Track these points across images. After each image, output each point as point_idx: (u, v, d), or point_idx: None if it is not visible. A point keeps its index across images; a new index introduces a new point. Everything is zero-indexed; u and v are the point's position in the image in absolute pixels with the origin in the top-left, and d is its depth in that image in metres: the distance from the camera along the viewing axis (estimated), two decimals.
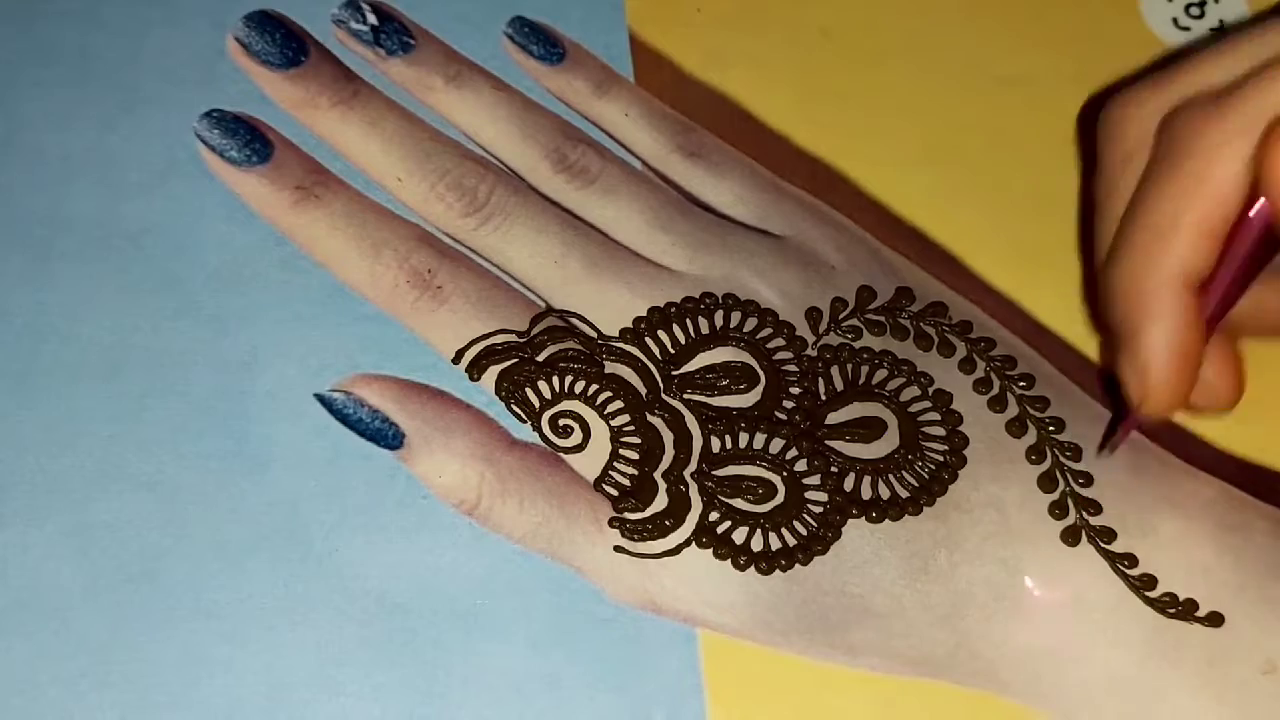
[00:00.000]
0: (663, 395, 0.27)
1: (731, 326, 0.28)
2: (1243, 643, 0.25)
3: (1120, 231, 0.24)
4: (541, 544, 0.26)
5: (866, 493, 0.26)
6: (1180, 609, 0.25)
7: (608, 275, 0.28)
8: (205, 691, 0.25)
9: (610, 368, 0.27)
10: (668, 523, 0.26)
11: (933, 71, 0.33)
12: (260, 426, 0.27)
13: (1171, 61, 0.26)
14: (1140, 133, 0.25)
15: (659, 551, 0.26)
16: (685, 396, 0.27)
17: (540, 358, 0.27)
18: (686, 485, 0.26)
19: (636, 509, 0.26)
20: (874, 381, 0.27)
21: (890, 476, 0.26)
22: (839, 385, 0.27)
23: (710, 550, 0.26)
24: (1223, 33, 0.28)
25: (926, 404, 0.27)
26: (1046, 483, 0.26)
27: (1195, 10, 0.35)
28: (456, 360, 0.27)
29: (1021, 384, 0.27)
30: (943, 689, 0.26)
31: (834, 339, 0.28)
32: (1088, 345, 0.31)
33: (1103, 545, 0.26)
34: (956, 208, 0.32)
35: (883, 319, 0.28)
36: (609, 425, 0.27)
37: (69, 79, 0.30)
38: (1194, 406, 0.25)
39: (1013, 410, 0.27)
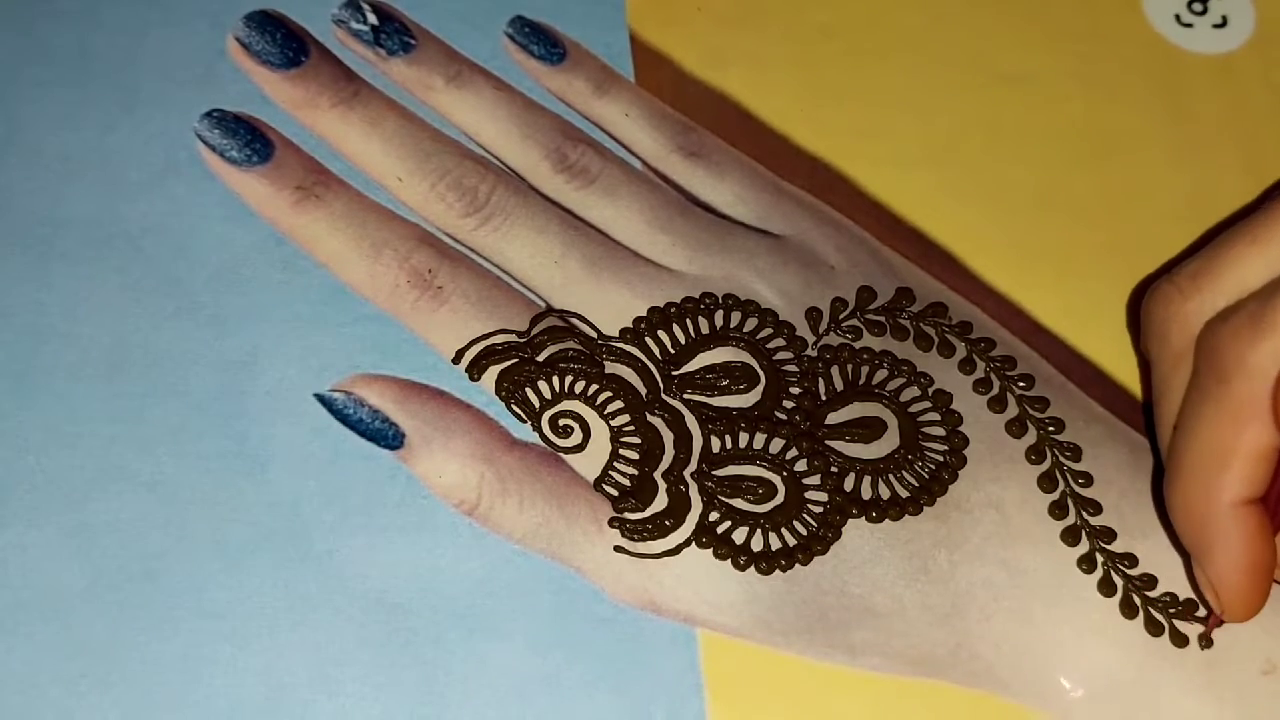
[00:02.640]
0: (663, 395, 0.27)
1: (731, 326, 0.28)
2: (1242, 643, 0.25)
3: (1175, 451, 0.25)
4: (541, 544, 0.26)
5: (866, 493, 0.26)
6: (1180, 609, 0.25)
7: (608, 275, 0.28)
8: (205, 691, 0.25)
9: (610, 368, 0.27)
10: (668, 523, 0.26)
11: (933, 70, 0.33)
12: (260, 426, 0.27)
13: (1205, 248, 0.26)
14: (1182, 335, 0.25)
15: (659, 551, 0.26)
16: (685, 396, 0.27)
17: (540, 358, 0.27)
18: (686, 485, 0.26)
19: (636, 509, 0.26)
20: (874, 382, 0.27)
21: (890, 476, 0.26)
22: (839, 385, 0.27)
23: (710, 550, 0.26)
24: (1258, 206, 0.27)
25: (926, 404, 0.27)
26: (1046, 483, 0.26)
27: (1198, 6, 0.35)
28: (457, 360, 0.27)
29: (1021, 384, 0.27)
30: (943, 689, 0.26)
31: (834, 339, 0.28)
32: (1087, 345, 0.31)
33: (1103, 545, 0.26)
34: (957, 208, 0.32)
35: (883, 319, 0.28)
36: (609, 425, 0.27)
37: (68, 79, 0.30)
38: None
39: (1012, 410, 0.27)
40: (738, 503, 0.26)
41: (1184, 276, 0.26)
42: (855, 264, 0.29)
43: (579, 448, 0.27)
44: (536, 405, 0.27)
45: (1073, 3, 0.35)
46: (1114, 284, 0.31)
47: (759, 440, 0.27)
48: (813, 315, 0.28)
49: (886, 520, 0.26)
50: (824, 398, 0.27)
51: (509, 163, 0.30)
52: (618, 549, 0.26)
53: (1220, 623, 0.25)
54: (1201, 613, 0.25)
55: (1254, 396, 0.23)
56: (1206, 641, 0.25)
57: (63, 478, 0.26)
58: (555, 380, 0.27)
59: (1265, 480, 0.24)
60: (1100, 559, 0.26)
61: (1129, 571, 0.26)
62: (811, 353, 0.28)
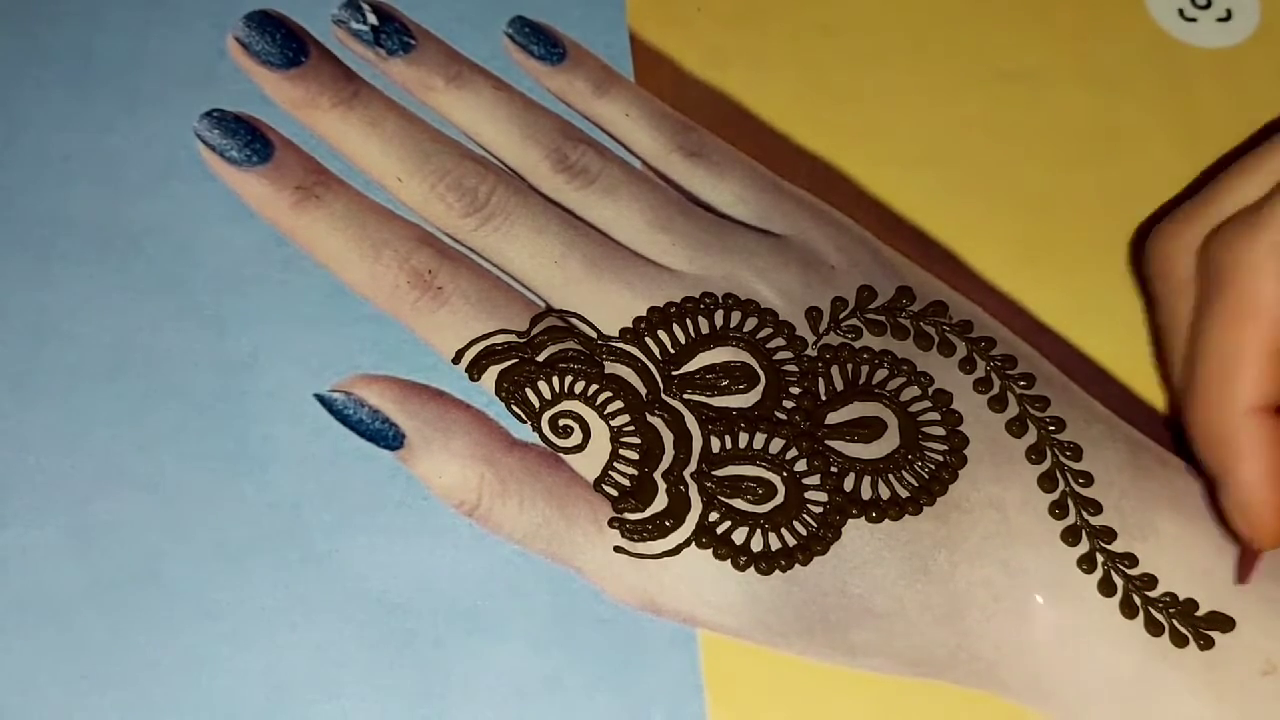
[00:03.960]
0: (663, 395, 0.27)
1: (731, 326, 0.28)
2: (1243, 643, 0.25)
3: (1188, 369, 0.24)
4: (541, 544, 0.26)
5: (866, 493, 0.26)
6: (1180, 609, 0.25)
7: (608, 275, 0.28)
8: (206, 692, 0.25)
9: (610, 368, 0.27)
10: (667, 523, 0.26)
11: (934, 68, 0.33)
12: (261, 427, 0.27)
13: (1206, 187, 0.26)
14: (1188, 263, 0.25)
15: (659, 552, 0.26)
16: (685, 396, 0.27)
17: (540, 358, 0.27)
18: (686, 485, 0.26)
19: (636, 509, 0.26)
20: (874, 381, 0.27)
21: (890, 476, 0.26)
22: (839, 385, 0.27)
23: (710, 550, 0.26)
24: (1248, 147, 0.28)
25: (926, 404, 0.27)
26: (1047, 482, 0.26)
27: (1202, 0, 0.35)
28: (456, 360, 0.27)
29: (1022, 383, 0.27)
30: (943, 689, 0.26)
31: (834, 339, 0.28)
32: (1088, 344, 0.31)
33: (1103, 545, 0.26)
34: (957, 206, 0.32)
35: (883, 318, 0.28)
36: (609, 425, 0.27)
37: (70, 80, 0.30)
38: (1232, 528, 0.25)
39: (1013, 410, 0.27)
40: (738, 503, 0.26)
41: (1181, 212, 0.26)
42: (855, 263, 0.29)
43: (579, 448, 0.27)
44: (536, 405, 0.27)
45: (1073, 0, 0.35)
46: (1116, 282, 0.31)
47: (759, 440, 0.27)
48: (813, 315, 0.28)
49: (886, 520, 0.26)
50: (824, 397, 0.27)
51: (509, 163, 0.30)
52: (617, 549, 0.26)
53: (1256, 558, 0.24)
54: (1200, 611, 0.25)
55: (1258, 294, 0.23)
56: (1243, 578, 0.24)
57: (63, 478, 0.26)
58: (555, 380, 0.27)
59: (1278, 384, 0.23)
60: (1100, 559, 0.26)
61: (1129, 571, 0.26)
62: (811, 352, 0.28)
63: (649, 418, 0.27)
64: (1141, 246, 0.29)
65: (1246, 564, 0.25)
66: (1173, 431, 0.30)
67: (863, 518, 0.26)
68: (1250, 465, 0.23)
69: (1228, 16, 0.35)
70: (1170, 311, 0.26)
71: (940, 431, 0.27)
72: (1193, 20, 0.35)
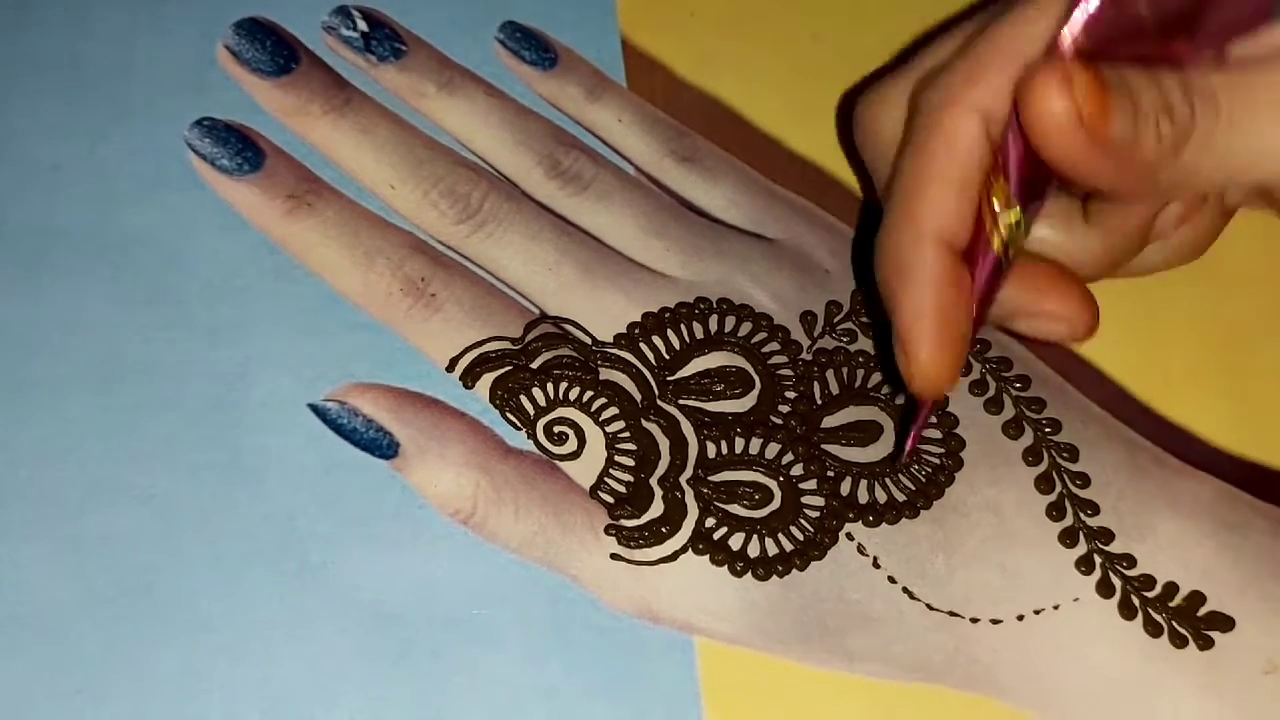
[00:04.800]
0: (658, 401, 0.27)
1: (726, 331, 0.27)
2: (1243, 643, 0.25)
3: (885, 207, 0.24)
4: (537, 552, 0.26)
5: (863, 497, 0.26)
6: (1179, 609, 0.25)
7: (602, 281, 0.28)
8: (202, 704, 0.24)
9: (605, 374, 0.27)
10: (664, 529, 0.26)
11: None
12: (254, 437, 0.27)
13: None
14: (891, 122, 0.25)
15: (655, 558, 0.26)
16: (680, 402, 0.27)
17: (534, 365, 0.27)
18: (682, 491, 0.26)
19: (632, 516, 0.26)
20: (869, 385, 0.27)
21: (887, 480, 0.26)
22: (834, 389, 0.27)
23: (707, 557, 0.26)
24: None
25: None
26: (1044, 484, 0.26)
27: None
28: (450, 368, 0.27)
29: (1017, 385, 0.27)
30: (942, 694, 0.26)
31: (829, 343, 0.28)
32: (1083, 346, 0.31)
33: (1101, 546, 0.26)
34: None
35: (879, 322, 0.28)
36: (604, 432, 0.27)
37: (59, 89, 0.30)
38: (1054, 341, 0.26)
39: (1009, 412, 0.27)
40: (734, 508, 0.26)
41: (883, 80, 0.26)
42: (849, 267, 0.29)
43: (574, 455, 0.27)
44: (531, 412, 0.27)
45: None
46: (1110, 284, 0.31)
47: (755, 445, 0.26)
48: (807, 319, 0.28)
49: (883, 524, 0.26)
50: (819, 402, 0.27)
51: (501, 169, 0.30)
52: (614, 556, 0.26)
53: (927, 415, 0.24)
54: (1200, 612, 0.25)
55: (948, 126, 0.23)
56: (906, 458, 0.24)
57: (56, 491, 0.26)
58: (550, 387, 0.27)
59: (961, 219, 0.23)
60: (1098, 560, 0.26)
61: (1127, 572, 0.26)
62: (806, 357, 0.27)
63: (644, 424, 0.27)
64: (847, 119, 0.29)
65: (918, 421, 0.24)
66: (1170, 431, 0.30)
67: (860, 522, 0.26)
68: (917, 296, 0.23)
69: None
70: (878, 169, 0.26)
71: (936, 434, 0.27)
72: None
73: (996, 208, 0.23)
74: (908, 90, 0.25)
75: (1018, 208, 0.23)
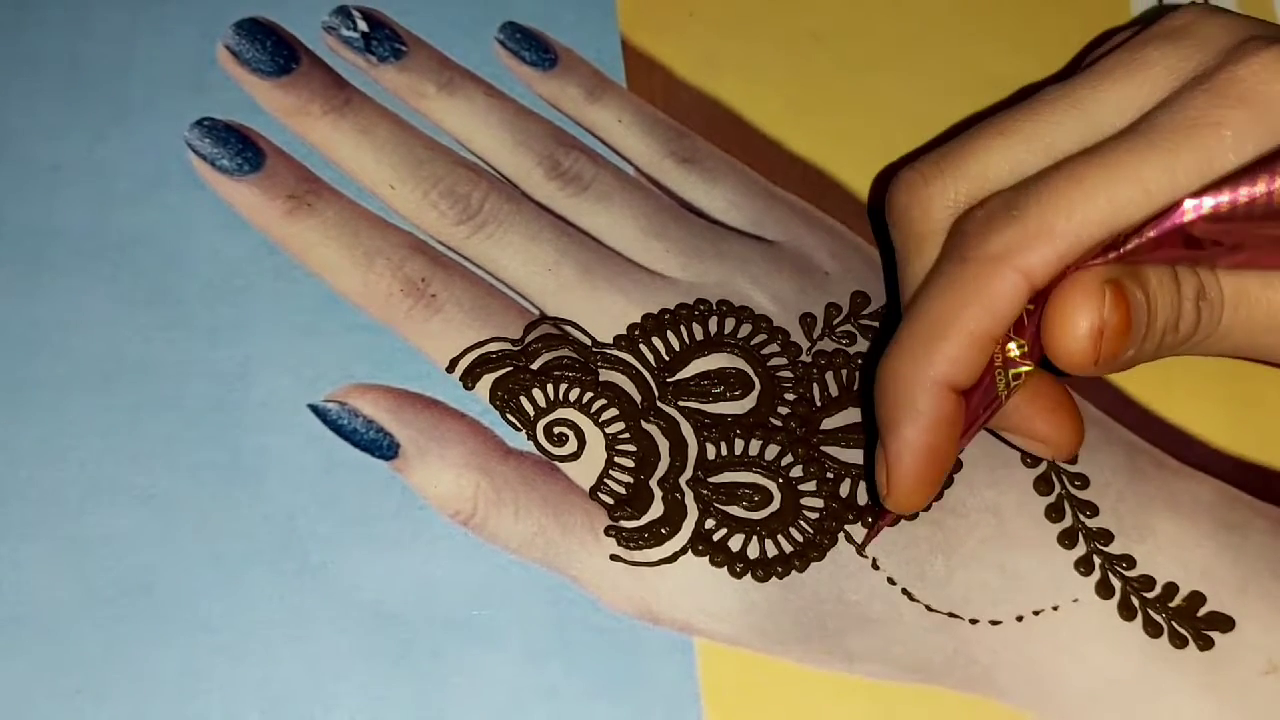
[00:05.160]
0: (658, 402, 0.27)
1: (726, 333, 0.27)
2: (1243, 643, 0.25)
3: (900, 327, 0.24)
4: (537, 553, 0.26)
5: (862, 498, 0.26)
6: (1179, 610, 0.25)
7: (602, 282, 0.28)
8: (201, 705, 0.24)
9: (605, 375, 0.27)
10: (664, 530, 0.26)
11: (925, 75, 0.33)
12: (254, 438, 0.27)
13: (955, 138, 0.26)
14: (923, 219, 0.25)
15: (655, 560, 0.26)
16: (680, 403, 0.27)
17: (534, 366, 0.27)
18: (682, 493, 0.26)
19: (632, 517, 0.26)
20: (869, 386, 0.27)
21: None
22: (834, 391, 0.27)
23: (706, 558, 0.26)
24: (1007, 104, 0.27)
25: None
26: (1043, 485, 0.26)
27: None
28: (450, 369, 0.27)
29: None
30: (940, 694, 0.26)
31: (828, 344, 0.28)
32: None
33: (1100, 547, 0.26)
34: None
35: (877, 324, 0.28)
36: (604, 433, 0.27)
37: (58, 89, 0.30)
38: (1039, 455, 0.26)
39: None
40: (734, 510, 0.26)
41: (925, 163, 0.25)
42: (849, 269, 0.29)
43: (574, 456, 0.27)
44: (531, 413, 0.27)
45: (1062, 7, 0.35)
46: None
47: (754, 447, 0.27)
48: (807, 321, 0.28)
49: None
50: (819, 403, 0.27)
51: (501, 170, 0.30)
52: (614, 558, 0.26)
53: (887, 519, 0.25)
54: (1200, 612, 0.25)
55: (988, 282, 0.23)
56: (864, 544, 0.25)
57: (55, 491, 0.26)
58: (550, 388, 0.27)
59: (973, 369, 0.23)
60: (1098, 561, 0.26)
61: (1127, 573, 0.26)
62: (806, 358, 0.28)
63: (644, 425, 0.27)
64: (881, 191, 0.29)
65: (877, 525, 0.25)
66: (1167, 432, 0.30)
67: (859, 523, 0.26)
68: (911, 431, 0.23)
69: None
70: (905, 262, 0.26)
71: None
72: None
73: (1011, 354, 0.23)
74: (946, 195, 0.25)
75: (1030, 365, 0.24)
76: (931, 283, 0.24)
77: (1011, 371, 0.23)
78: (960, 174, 0.25)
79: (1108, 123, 0.24)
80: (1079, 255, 0.22)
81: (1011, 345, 0.23)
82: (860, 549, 0.26)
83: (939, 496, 0.26)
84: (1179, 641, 0.25)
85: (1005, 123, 0.25)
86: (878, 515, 0.25)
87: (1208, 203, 0.21)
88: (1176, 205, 0.22)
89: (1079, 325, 0.22)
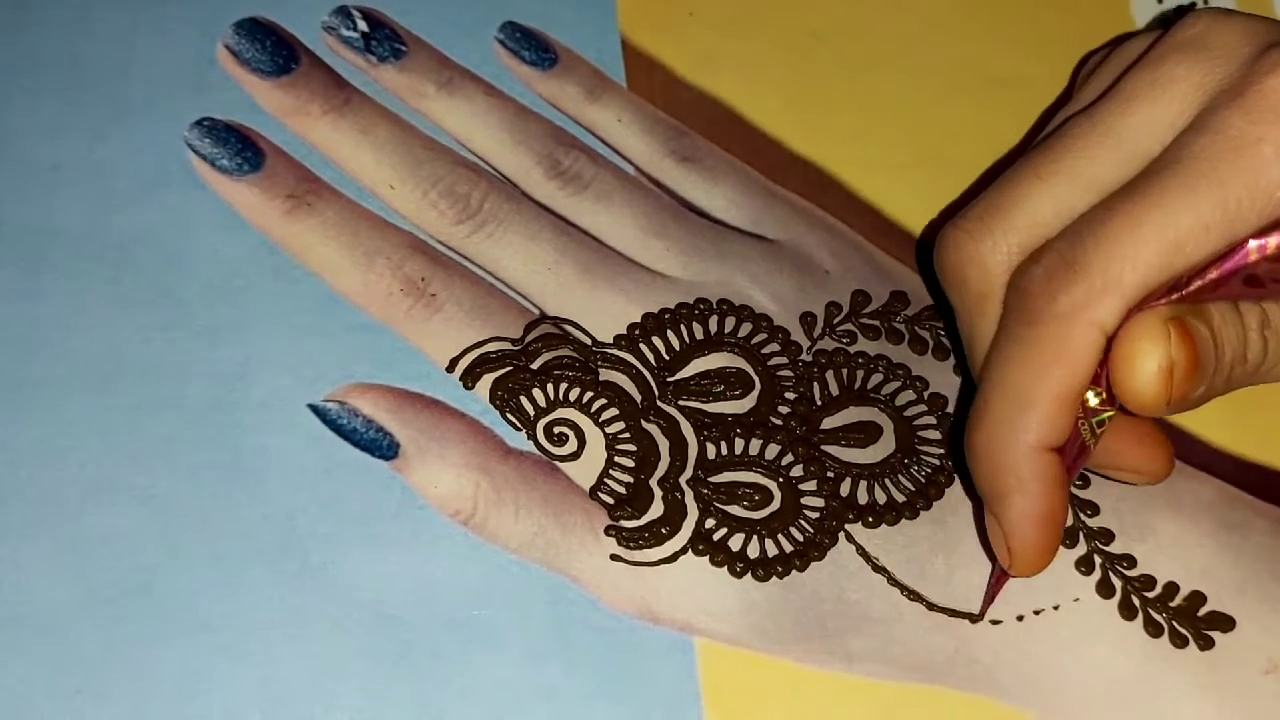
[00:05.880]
0: (658, 402, 0.27)
1: (726, 332, 0.27)
2: (1243, 643, 0.25)
3: (980, 394, 0.24)
4: (537, 553, 0.26)
5: (863, 498, 0.26)
6: (1180, 610, 0.25)
7: (602, 281, 0.28)
8: (201, 705, 0.24)
9: (605, 374, 0.27)
10: (664, 530, 0.26)
11: (925, 74, 0.33)
12: (254, 438, 0.27)
13: (989, 188, 0.25)
14: (981, 276, 0.25)
15: (655, 559, 0.26)
16: (680, 403, 0.27)
17: (534, 365, 0.27)
18: (682, 492, 0.26)
19: (632, 517, 0.26)
20: (869, 386, 0.27)
21: (887, 481, 0.26)
22: (834, 390, 0.27)
23: (707, 557, 0.26)
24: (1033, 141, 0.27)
25: (922, 408, 0.27)
26: None
27: (1185, 10, 0.35)
28: (450, 368, 0.27)
29: None
30: (941, 694, 0.26)
31: (829, 343, 0.28)
32: None
33: (1101, 546, 0.26)
34: (950, 211, 0.32)
35: (877, 323, 0.28)
36: (604, 432, 0.27)
37: (58, 89, 0.30)
38: (1134, 484, 0.26)
39: None
40: (734, 509, 0.26)
41: (970, 219, 0.25)
42: (849, 268, 0.29)
43: (574, 456, 0.27)
44: (531, 413, 0.27)
45: (1062, 6, 0.35)
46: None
47: (754, 446, 0.26)
48: (807, 320, 0.28)
49: (883, 525, 0.26)
50: (819, 403, 0.27)
51: (501, 169, 0.30)
52: (614, 557, 0.26)
53: (1005, 580, 0.25)
54: (1201, 612, 0.25)
55: (1065, 342, 0.22)
56: (989, 599, 0.25)
57: (55, 491, 0.26)
58: (550, 388, 0.27)
59: (1067, 428, 0.23)
60: (1099, 560, 0.26)
61: (1127, 573, 0.26)
62: (806, 357, 0.27)
63: (644, 424, 0.27)
64: (928, 246, 0.28)
65: (995, 586, 0.25)
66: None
67: (859, 523, 0.26)
68: (1023, 501, 0.23)
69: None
70: (969, 324, 0.25)
71: (936, 435, 0.27)
72: None
73: (1090, 403, 0.23)
74: (999, 249, 0.24)
75: (1111, 411, 0.24)
76: (1005, 348, 0.24)
77: (1094, 420, 0.24)
78: (1008, 226, 0.24)
79: (1143, 147, 0.23)
80: (1143, 298, 0.22)
81: (1089, 395, 0.23)
82: (979, 616, 0.25)
83: (940, 496, 0.26)
84: (1179, 641, 0.25)
85: (1041, 164, 0.24)
86: (994, 578, 0.25)
87: (1272, 243, 0.21)
88: (1240, 246, 0.22)
89: (1148, 368, 0.22)
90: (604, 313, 0.27)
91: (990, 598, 0.25)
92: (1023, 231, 0.24)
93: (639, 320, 0.27)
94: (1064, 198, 0.24)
